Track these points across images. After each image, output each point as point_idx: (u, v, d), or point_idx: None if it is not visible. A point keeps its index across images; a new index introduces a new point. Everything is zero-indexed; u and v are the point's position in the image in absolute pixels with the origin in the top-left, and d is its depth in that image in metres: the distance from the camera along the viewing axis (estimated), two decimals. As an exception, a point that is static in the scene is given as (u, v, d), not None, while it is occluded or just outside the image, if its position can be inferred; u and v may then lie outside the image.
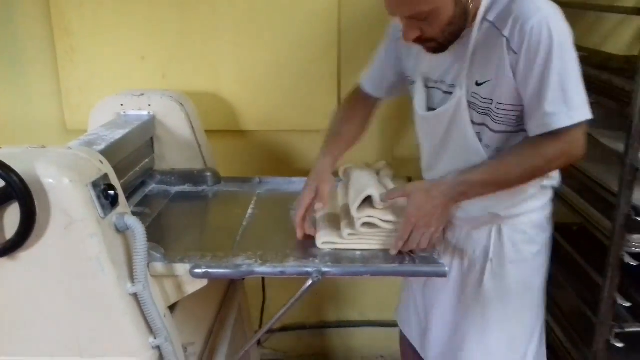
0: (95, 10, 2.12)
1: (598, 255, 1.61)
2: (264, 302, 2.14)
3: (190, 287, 1.33)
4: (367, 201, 1.39)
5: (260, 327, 2.21)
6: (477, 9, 1.29)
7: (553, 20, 1.21)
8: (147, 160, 1.82)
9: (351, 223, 1.38)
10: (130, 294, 1.20)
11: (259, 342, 2.30)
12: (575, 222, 1.96)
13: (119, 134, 1.61)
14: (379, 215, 1.36)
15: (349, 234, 1.37)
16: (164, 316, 1.27)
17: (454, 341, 1.59)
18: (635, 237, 1.47)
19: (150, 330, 1.24)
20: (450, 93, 1.39)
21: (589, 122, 1.25)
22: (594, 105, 1.86)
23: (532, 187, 1.43)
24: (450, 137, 1.42)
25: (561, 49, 1.21)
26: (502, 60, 1.26)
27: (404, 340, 1.85)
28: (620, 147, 1.45)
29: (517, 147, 1.33)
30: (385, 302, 2.47)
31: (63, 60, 2.18)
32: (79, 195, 1.13)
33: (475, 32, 1.29)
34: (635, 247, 1.48)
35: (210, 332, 1.63)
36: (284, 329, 2.48)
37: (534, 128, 1.28)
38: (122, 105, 1.83)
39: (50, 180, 1.11)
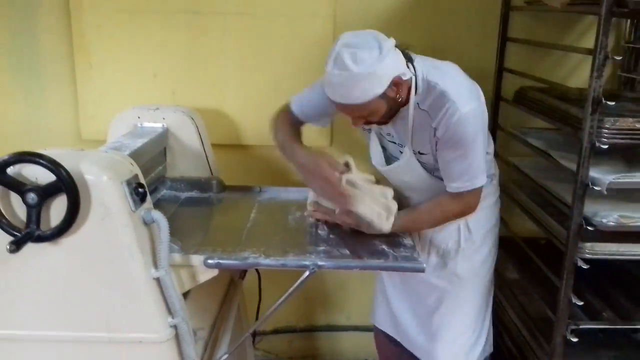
0: (113, 31, 2.34)
1: (560, 264, 1.83)
2: (259, 303, 2.32)
3: (203, 276, 1.52)
4: None
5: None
6: (408, 91, 1.60)
7: (471, 117, 1.54)
8: (160, 168, 2.02)
9: None
10: (154, 278, 1.40)
11: (253, 342, 2.47)
12: (542, 237, 2.19)
13: (138, 143, 1.81)
14: (356, 177, 1.68)
15: None
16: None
17: (433, 321, 1.87)
18: (587, 244, 1.70)
19: (169, 311, 1.43)
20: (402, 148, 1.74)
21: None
22: (555, 131, 2.12)
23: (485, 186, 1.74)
24: (408, 176, 1.77)
25: (472, 141, 1.57)
26: (432, 141, 1.63)
27: (378, 334, 2.15)
28: (573, 166, 1.68)
29: (429, 203, 1.72)
30: (371, 307, 2.67)
31: (81, 75, 2.38)
32: (115, 190, 1.33)
33: (411, 114, 1.62)
34: (588, 253, 1.70)
35: (214, 322, 1.82)
36: (275, 331, 2.67)
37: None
38: (139, 117, 2.04)
39: (92, 177, 1.32)
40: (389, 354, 2.13)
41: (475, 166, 1.61)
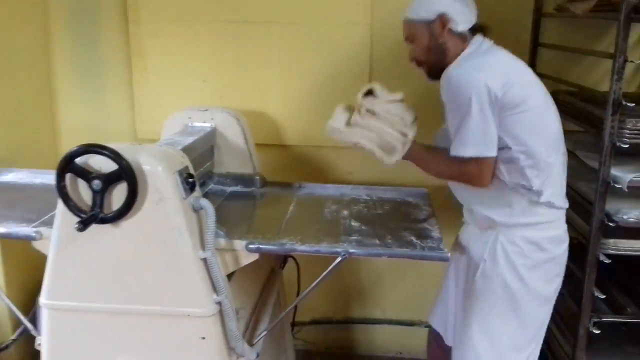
0: (168, 39, 2.54)
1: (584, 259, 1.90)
2: (298, 292, 2.46)
3: (245, 259, 1.67)
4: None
5: (294, 316, 2.53)
6: (455, 52, 1.72)
7: (463, 80, 1.62)
8: (208, 164, 2.19)
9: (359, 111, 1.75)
10: (201, 259, 1.55)
11: (292, 331, 2.61)
12: (575, 237, 2.25)
13: (189, 140, 1.99)
14: (379, 103, 1.72)
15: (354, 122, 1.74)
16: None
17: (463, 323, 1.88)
18: (610, 240, 1.77)
19: (214, 289, 1.58)
20: None
21: (488, 158, 1.64)
22: (583, 133, 2.19)
23: (517, 199, 1.70)
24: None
25: (463, 104, 1.60)
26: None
27: (431, 333, 2.12)
28: (596, 165, 1.76)
29: (442, 153, 1.75)
30: (405, 302, 2.79)
31: (138, 79, 2.59)
32: (169, 179, 1.50)
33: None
34: (611, 249, 1.77)
35: (255, 305, 1.96)
36: (313, 322, 2.81)
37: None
38: (189, 118, 2.21)
39: (149, 167, 1.49)
40: (436, 354, 2.13)
41: (464, 133, 1.62)
